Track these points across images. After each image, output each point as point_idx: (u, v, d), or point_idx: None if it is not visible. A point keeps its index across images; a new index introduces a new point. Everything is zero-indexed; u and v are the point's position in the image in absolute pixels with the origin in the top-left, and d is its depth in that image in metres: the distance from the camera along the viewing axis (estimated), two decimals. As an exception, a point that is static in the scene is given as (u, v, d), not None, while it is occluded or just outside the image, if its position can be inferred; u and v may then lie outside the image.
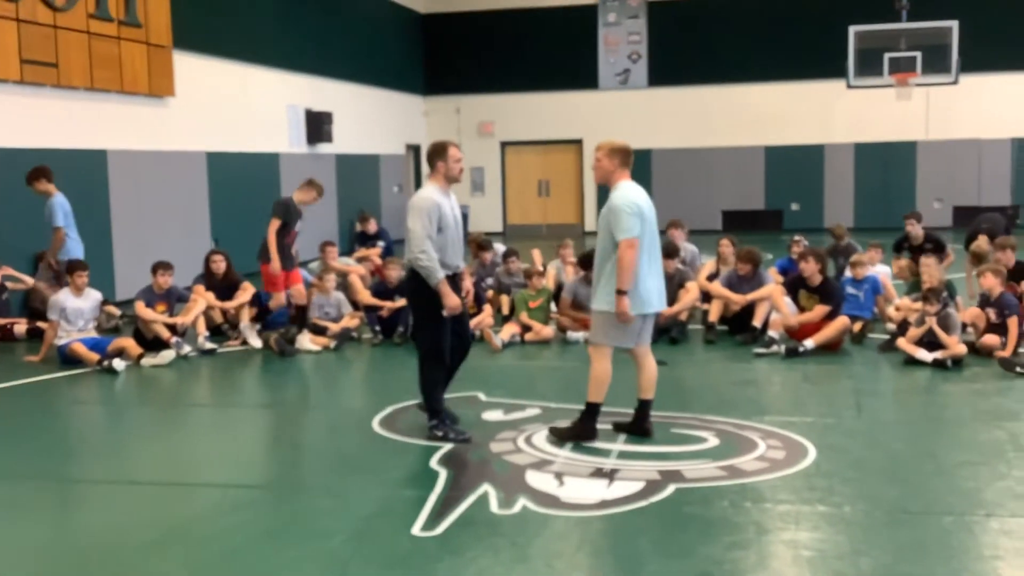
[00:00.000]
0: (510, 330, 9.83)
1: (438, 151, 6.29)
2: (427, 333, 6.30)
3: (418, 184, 24.35)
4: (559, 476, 5.59)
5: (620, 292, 5.92)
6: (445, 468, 5.76)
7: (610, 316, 6.01)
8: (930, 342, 8.40)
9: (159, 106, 14.07)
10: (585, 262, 9.47)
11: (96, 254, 11.77)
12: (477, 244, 11.76)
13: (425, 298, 6.18)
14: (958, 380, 7.93)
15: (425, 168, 24.93)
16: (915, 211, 12.77)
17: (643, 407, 6.31)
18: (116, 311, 11.09)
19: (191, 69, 14.61)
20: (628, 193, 6.02)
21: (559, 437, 6.22)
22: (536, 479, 5.54)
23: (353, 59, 20.45)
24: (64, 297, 9.28)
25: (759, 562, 4.39)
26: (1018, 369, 7.92)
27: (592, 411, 6.18)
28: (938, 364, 8.23)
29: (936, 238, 11.94)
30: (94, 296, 9.53)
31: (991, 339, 8.50)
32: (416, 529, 4.79)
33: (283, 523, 5.01)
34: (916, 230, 11.94)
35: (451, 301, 6.11)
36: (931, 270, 9.50)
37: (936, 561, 4.33)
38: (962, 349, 8.29)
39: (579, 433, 6.17)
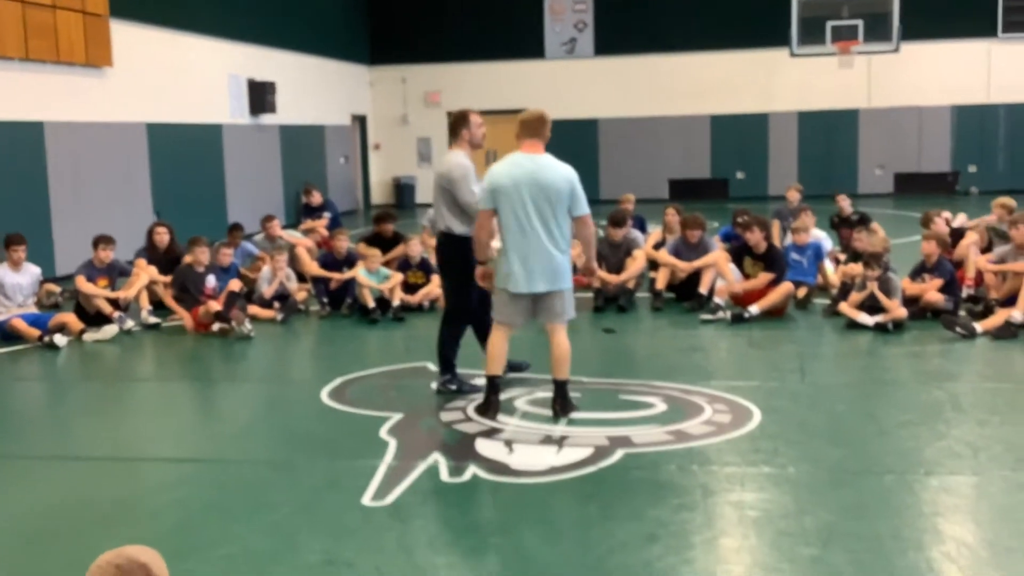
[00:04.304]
0: (459, 300, 9.80)
1: (461, 119, 6.58)
2: (455, 293, 6.63)
3: (364, 154, 24.16)
4: (509, 444, 5.61)
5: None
6: (395, 438, 5.76)
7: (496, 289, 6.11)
8: (871, 306, 8.55)
9: (97, 76, 13.76)
10: None
11: (34, 228, 11.54)
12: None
13: (459, 262, 6.51)
14: (899, 343, 8.08)
15: (372, 138, 24.62)
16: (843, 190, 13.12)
17: (554, 387, 6.16)
18: (56, 288, 10.86)
19: (129, 38, 14.30)
20: (496, 165, 6.01)
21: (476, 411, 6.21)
22: (486, 447, 5.56)
23: (296, 28, 20.14)
24: (1, 272, 9.07)
25: (706, 523, 4.46)
26: (958, 329, 8.09)
27: (489, 384, 6.14)
28: (879, 328, 8.39)
29: (862, 212, 12.20)
30: (33, 271, 9.33)
31: (935, 296, 8.69)
32: (366, 499, 4.79)
33: (230, 496, 4.98)
34: (845, 204, 12.19)
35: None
36: (870, 237, 9.69)
37: (878, 518, 4.42)
38: (903, 312, 8.45)
39: (479, 407, 6.18)
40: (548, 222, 5.89)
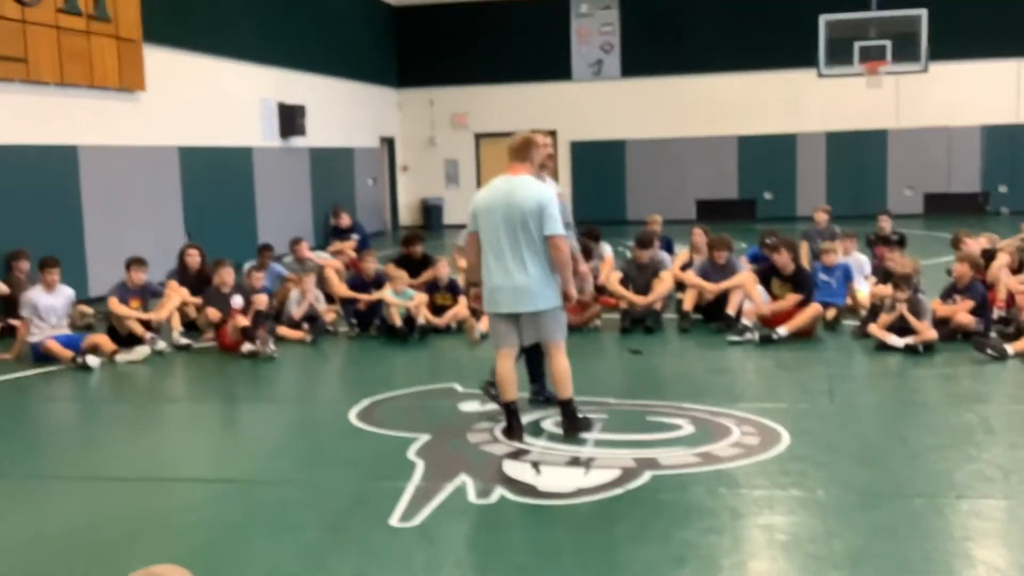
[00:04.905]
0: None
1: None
2: None
3: (392, 176, 24.32)
4: (536, 465, 5.61)
5: None
6: (422, 459, 5.77)
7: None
8: (901, 328, 8.49)
9: (130, 101, 13.96)
10: None
11: (68, 251, 11.69)
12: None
13: None
14: (929, 365, 8.02)
15: (400, 160, 24.80)
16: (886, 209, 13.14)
17: (560, 406, 6.18)
18: (89, 310, 10.98)
19: (162, 63, 14.50)
20: (479, 190, 6.08)
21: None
22: (513, 469, 5.57)
23: (326, 52, 20.36)
24: (36, 294, 9.20)
25: (734, 546, 4.44)
26: (989, 351, 8.02)
27: (506, 410, 6.15)
28: (909, 349, 8.33)
29: (902, 233, 12.21)
30: (66, 293, 9.45)
31: (965, 318, 8.62)
32: (394, 520, 4.80)
33: (259, 516, 5.01)
34: (886, 225, 12.20)
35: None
36: (899, 259, 9.64)
37: (907, 543, 4.38)
38: (933, 334, 8.38)
39: (505, 430, 6.17)
40: (520, 243, 5.85)
